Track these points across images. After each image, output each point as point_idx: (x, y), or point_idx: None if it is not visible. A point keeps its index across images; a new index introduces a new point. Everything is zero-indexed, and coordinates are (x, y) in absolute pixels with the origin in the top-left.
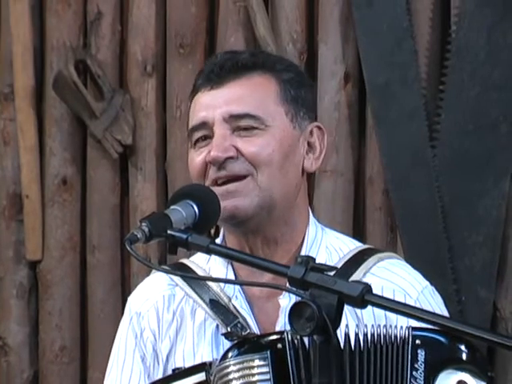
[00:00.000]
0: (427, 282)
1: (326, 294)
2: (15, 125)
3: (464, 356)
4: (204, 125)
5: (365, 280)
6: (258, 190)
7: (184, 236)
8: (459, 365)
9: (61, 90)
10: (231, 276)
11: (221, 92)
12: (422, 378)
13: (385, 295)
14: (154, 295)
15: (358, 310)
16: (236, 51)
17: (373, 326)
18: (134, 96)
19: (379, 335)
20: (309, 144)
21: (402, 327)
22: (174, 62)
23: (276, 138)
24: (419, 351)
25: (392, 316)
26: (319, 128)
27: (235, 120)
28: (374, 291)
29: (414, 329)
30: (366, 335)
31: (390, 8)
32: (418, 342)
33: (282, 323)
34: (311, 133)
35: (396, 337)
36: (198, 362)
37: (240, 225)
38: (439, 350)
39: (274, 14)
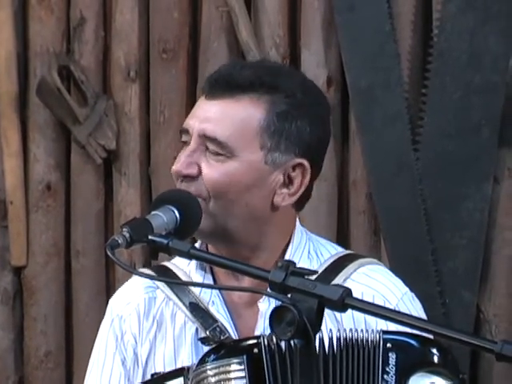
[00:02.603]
0: (407, 289)
1: (306, 298)
2: None
3: (435, 359)
4: (187, 132)
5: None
6: (207, 214)
7: (165, 241)
8: (431, 368)
9: (44, 96)
10: (209, 282)
11: (209, 106)
12: (393, 381)
13: None
14: (136, 298)
15: (338, 314)
16: (245, 64)
17: (345, 329)
18: (118, 101)
19: (351, 339)
20: (289, 177)
21: (372, 330)
22: (158, 68)
23: (239, 169)
24: (390, 354)
25: (371, 320)
26: (302, 165)
27: (206, 140)
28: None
29: (385, 332)
30: (338, 339)
31: (372, 12)
32: (388, 345)
33: (262, 328)
34: (294, 168)
35: (367, 340)
36: (178, 366)
37: (205, 239)
38: (410, 353)
39: (256, 19)
